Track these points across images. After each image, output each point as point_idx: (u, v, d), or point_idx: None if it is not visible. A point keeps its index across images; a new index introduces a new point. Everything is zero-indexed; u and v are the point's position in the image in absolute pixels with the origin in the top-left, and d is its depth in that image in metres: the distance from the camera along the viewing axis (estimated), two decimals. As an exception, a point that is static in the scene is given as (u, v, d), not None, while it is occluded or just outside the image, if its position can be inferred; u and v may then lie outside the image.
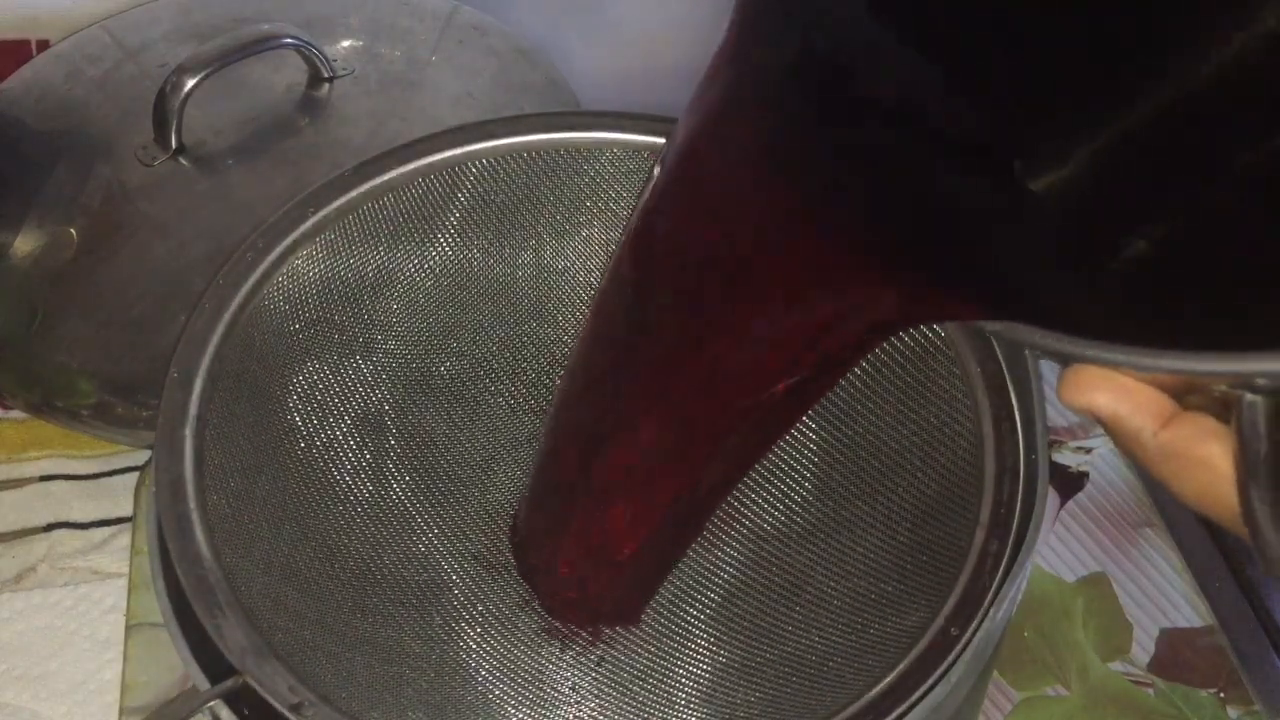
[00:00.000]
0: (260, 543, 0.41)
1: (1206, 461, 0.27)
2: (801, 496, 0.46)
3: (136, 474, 0.56)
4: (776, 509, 0.46)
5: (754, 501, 0.47)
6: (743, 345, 0.30)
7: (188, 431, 0.40)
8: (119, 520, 0.55)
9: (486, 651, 0.44)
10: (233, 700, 0.35)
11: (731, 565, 0.46)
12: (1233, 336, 0.23)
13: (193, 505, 0.38)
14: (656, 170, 0.31)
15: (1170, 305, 0.25)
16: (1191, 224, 0.24)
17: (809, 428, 0.46)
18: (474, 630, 0.44)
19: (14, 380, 0.53)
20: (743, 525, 0.46)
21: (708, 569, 0.46)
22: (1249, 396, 0.25)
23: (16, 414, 0.57)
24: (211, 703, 0.35)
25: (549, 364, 0.50)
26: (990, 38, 0.25)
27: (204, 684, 0.35)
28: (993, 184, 0.25)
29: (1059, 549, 0.55)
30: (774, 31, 0.27)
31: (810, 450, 0.46)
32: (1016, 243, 0.26)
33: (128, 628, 0.51)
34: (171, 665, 0.49)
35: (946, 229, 0.27)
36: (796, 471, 0.46)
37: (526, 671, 0.44)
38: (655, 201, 0.31)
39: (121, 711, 0.49)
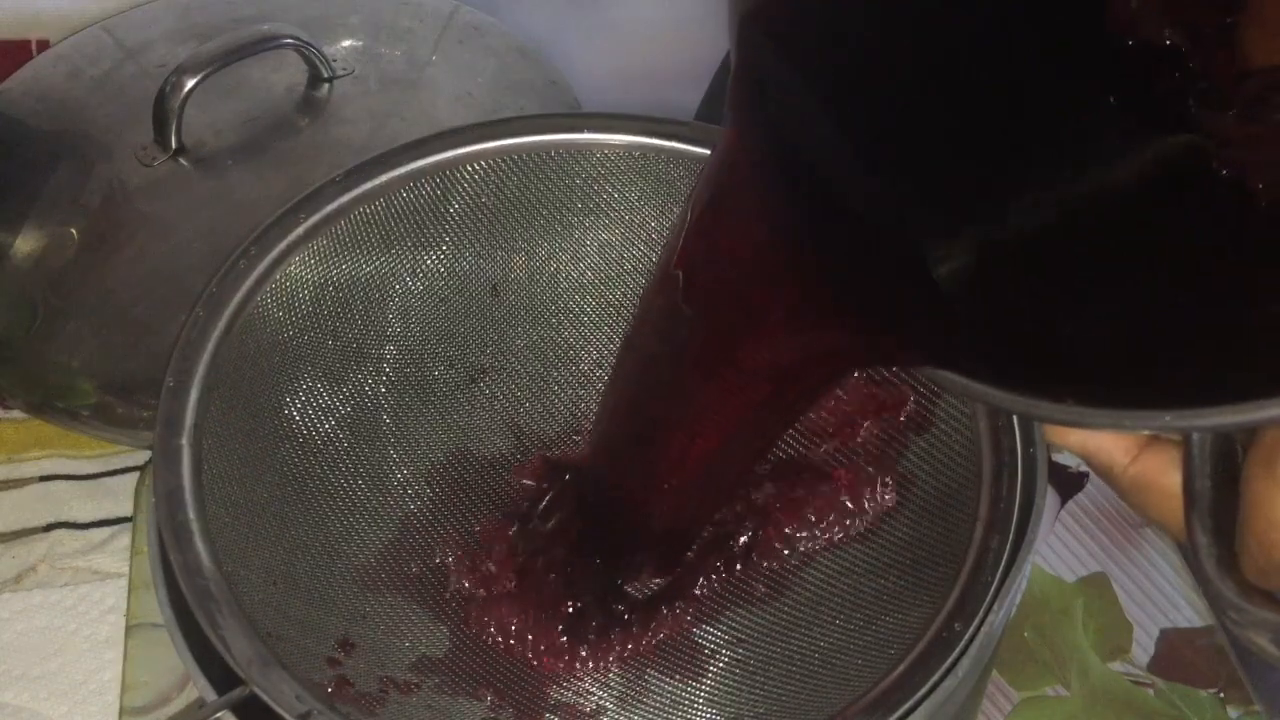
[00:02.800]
0: (261, 551, 0.41)
1: (1171, 490, 0.29)
2: (803, 492, 0.46)
3: (136, 474, 0.56)
4: (776, 507, 0.46)
5: (752, 498, 0.47)
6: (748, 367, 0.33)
7: (185, 441, 0.40)
8: (119, 520, 0.55)
9: (491, 655, 0.44)
10: (239, 709, 0.35)
11: (734, 566, 0.46)
12: (1163, 387, 0.24)
13: (192, 515, 0.38)
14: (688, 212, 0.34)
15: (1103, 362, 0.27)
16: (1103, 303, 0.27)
17: (806, 425, 0.46)
18: (478, 634, 0.44)
19: (14, 380, 0.53)
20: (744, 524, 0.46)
21: (709, 569, 0.46)
22: (1195, 434, 0.26)
23: (16, 414, 0.57)
24: (218, 713, 0.35)
25: (544, 366, 0.50)
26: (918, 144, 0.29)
27: (210, 694, 0.35)
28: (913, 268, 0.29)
29: (1059, 549, 0.55)
30: (758, 128, 0.31)
31: (808, 447, 0.46)
32: (949, 312, 0.29)
33: (128, 628, 0.51)
34: (171, 665, 0.49)
35: (891, 294, 0.30)
36: (794, 468, 0.46)
37: (532, 675, 0.44)
38: (684, 239, 0.34)
39: (121, 711, 0.49)
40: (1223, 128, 0.27)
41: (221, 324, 0.42)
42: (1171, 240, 0.27)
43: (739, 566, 0.45)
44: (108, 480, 0.56)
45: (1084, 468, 0.57)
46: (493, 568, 0.46)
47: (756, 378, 0.33)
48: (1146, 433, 0.30)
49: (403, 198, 0.46)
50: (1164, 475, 0.29)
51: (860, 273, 0.30)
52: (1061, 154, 0.29)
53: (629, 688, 0.44)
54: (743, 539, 0.45)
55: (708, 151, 0.46)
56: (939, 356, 0.29)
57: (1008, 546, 0.37)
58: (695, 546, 0.46)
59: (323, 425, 0.46)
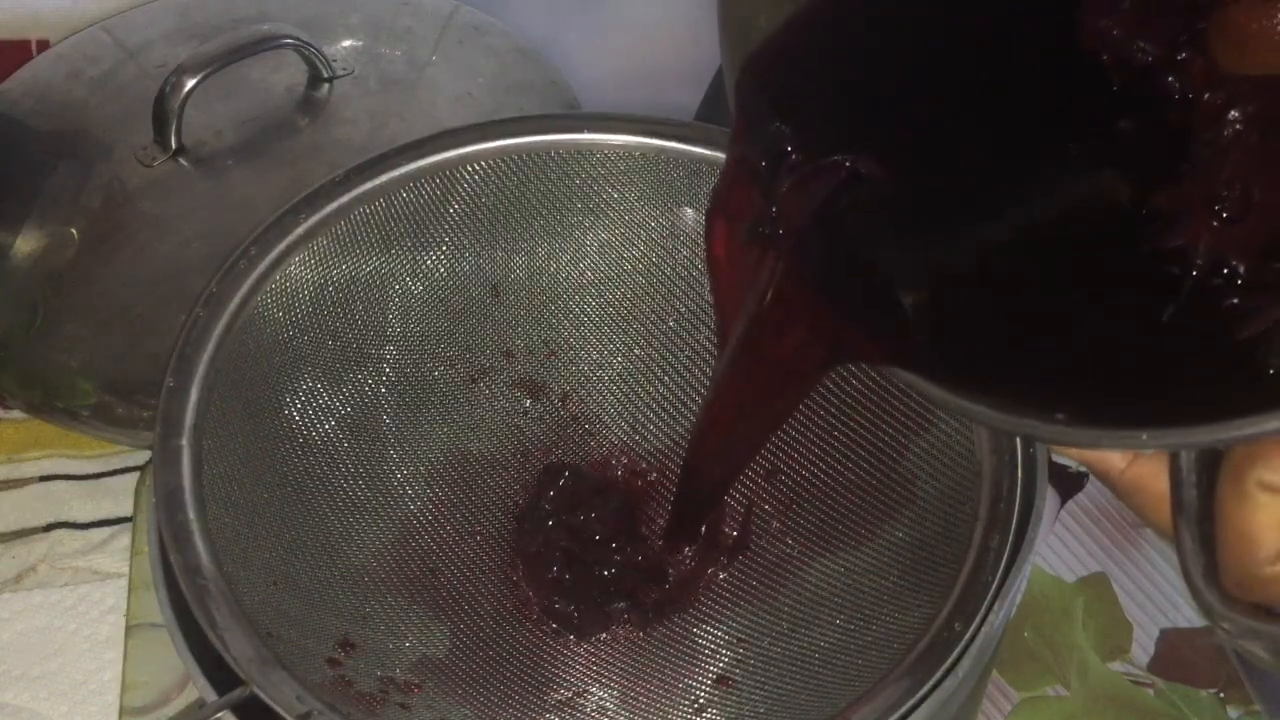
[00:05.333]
0: (261, 551, 0.41)
1: (1165, 495, 0.29)
2: (803, 492, 0.46)
3: (136, 474, 0.56)
4: (776, 506, 0.46)
5: (754, 499, 0.47)
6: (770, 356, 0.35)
7: (185, 441, 0.40)
8: (119, 520, 0.55)
9: (492, 655, 0.44)
10: (239, 709, 0.35)
11: (735, 566, 0.46)
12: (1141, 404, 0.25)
13: (192, 515, 0.38)
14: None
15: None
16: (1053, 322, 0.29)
17: (808, 426, 0.46)
18: (479, 634, 0.44)
19: (14, 380, 0.53)
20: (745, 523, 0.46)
21: (711, 571, 0.46)
22: None
23: (16, 414, 0.57)
24: (218, 713, 0.35)
25: (544, 367, 0.50)
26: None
27: (210, 694, 0.35)
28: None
29: (1059, 549, 0.55)
30: (755, 147, 0.33)
31: (809, 448, 0.46)
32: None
33: (128, 628, 0.51)
34: (171, 665, 0.49)
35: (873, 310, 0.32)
36: (796, 469, 0.46)
37: (533, 675, 0.44)
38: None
39: (121, 711, 0.49)
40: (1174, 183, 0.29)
41: (221, 324, 0.42)
42: (1146, 268, 0.28)
43: (738, 559, 0.46)
44: (108, 480, 0.56)
45: (1084, 468, 0.57)
46: (494, 568, 0.46)
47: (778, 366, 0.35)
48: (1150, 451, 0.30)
49: (403, 198, 0.46)
50: (1158, 479, 0.30)
51: (848, 292, 0.32)
52: (1034, 188, 0.31)
53: (629, 687, 0.44)
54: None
55: (707, 151, 0.46)
56: (912, 364, 0.30)
57: (1008, 546, 0.37)
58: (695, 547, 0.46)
59: (323, 425, 0.46)
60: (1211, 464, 0.27)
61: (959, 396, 0.28)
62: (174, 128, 0.56)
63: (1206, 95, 0.29)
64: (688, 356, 0.49)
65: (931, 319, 0.30)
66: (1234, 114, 0.28)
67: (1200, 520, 0.27)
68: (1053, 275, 0.30)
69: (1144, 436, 0.24)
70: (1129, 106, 0.30)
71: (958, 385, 0.29)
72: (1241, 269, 0.27)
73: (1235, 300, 0.27)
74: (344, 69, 0.60)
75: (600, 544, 0.47)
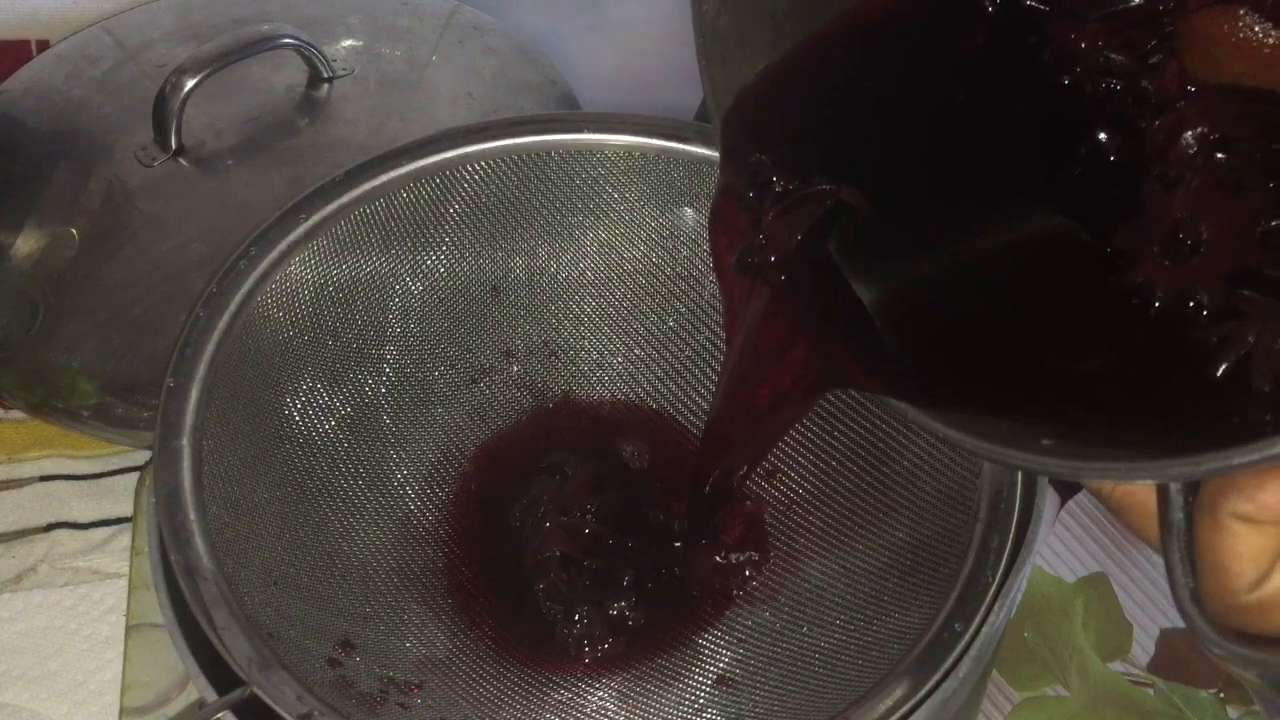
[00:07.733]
0: (261, 551, 0.41)
1: (1155, 512, 0.29)
2: (803, 493, 0.46)
3: (136, 474, 0.56)
4: (777, 507, 0.46)
5: (754, 500, 0.47)
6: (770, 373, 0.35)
7: (185, 442, 0.40)
8: (119, 520, 0.55)
9: (492, 655, 0.44)
10: (239, 709, 0.35)
11: (735, 568, 0.46)
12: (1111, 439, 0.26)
13: (192, 515, 0.38)
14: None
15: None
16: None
17: (807, 427, 0.46)
18: (479, 634, 0.44)
19: (14, 380, 0.53)
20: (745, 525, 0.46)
21: (712, 572, 0.46)
22: None
23: (16, 414, 0.57)
24: (219, 714, 0.35)
25: (544, 367, 0.50)
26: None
27: (210, 694, 0.35)
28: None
29: (1059, 549, 0.55)
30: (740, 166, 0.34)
31: (809, 449, 0.46)
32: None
33: (128, 628, 0.51)
34: (171, 665, 0.49)
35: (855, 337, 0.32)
36: (797, 469, 0.46)
37: (533, 675, 0.44)
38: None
39: (121, 711, 0.49)
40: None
41: (222, 324, 0.42)
42: (1119, 302, 0.29)
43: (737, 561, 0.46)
44: (108, 480, 0.56)
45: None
46: (494, 568, 0.46)
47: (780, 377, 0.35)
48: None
49: (403, 198, 0.46)
50: (1150, 497, 0.30)
51: (834, 318, 0.33)
52: (1008, 217, 0.32)
53: (629, 688, 0.44)
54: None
55: (707, 151, 0.46)
56: (899, 392, 0.30)
57: (1008, 546, 0.37)
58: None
59: (323, 425, 0.46)
60: (1199, 486, 0.27)
61: (946, 425, 0.29)
62: (174, 128, 0.56)
63: (1157, 121, 0.29)
64: (688, 356, 0.49)
65: (914, 345, 0.31)
66: (1187, 136, 0.29)
67: (1189, 542, 0.27)
68: (1030, 305, 0.30)
69: (1121, 470, 0.25)
70: (1104, 118, 0.30)
71: (943, 413, 0.29)
72: (1205, 299, 0.28)
73: (1203, 332, 0.27)
74: (344, 69, 0.60)
75: (599, 544, 0.47)
